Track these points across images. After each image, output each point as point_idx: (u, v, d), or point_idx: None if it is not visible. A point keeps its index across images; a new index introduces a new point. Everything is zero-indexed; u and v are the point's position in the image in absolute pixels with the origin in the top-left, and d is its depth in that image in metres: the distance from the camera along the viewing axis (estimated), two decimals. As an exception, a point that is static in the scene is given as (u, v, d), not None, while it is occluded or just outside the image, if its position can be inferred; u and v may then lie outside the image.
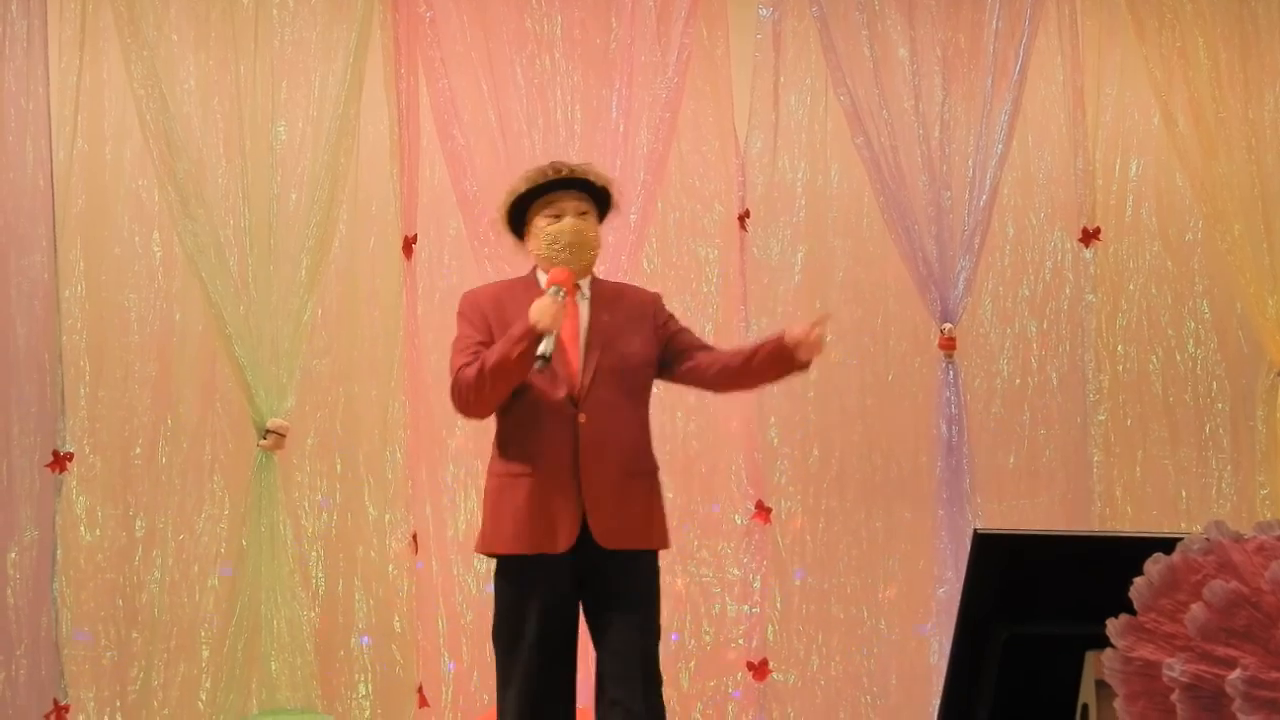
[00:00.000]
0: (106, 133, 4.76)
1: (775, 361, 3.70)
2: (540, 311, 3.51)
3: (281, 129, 4.76)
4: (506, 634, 3.63)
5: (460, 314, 3.75)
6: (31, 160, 4.68)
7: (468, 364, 3.61)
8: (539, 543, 3.57)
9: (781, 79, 5.14)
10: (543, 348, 3.45)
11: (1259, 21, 5.35)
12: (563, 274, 3.61)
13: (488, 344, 3.62)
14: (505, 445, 3.67)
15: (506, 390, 3.59)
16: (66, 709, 4.57)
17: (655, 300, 3.87)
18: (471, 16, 4.90)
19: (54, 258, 4.69)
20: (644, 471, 3.72)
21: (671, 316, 3.87)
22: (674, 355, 3.79)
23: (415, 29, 4.87)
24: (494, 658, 3.68)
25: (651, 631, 3.67)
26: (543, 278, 3.71)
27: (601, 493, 3.59)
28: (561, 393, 3.61)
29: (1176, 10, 5.26)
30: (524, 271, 3.84)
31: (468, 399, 3.61)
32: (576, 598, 3.63)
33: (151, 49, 4.65)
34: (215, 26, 4.77)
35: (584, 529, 3.57)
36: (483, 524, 3.72)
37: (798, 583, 5.04)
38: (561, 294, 3.55)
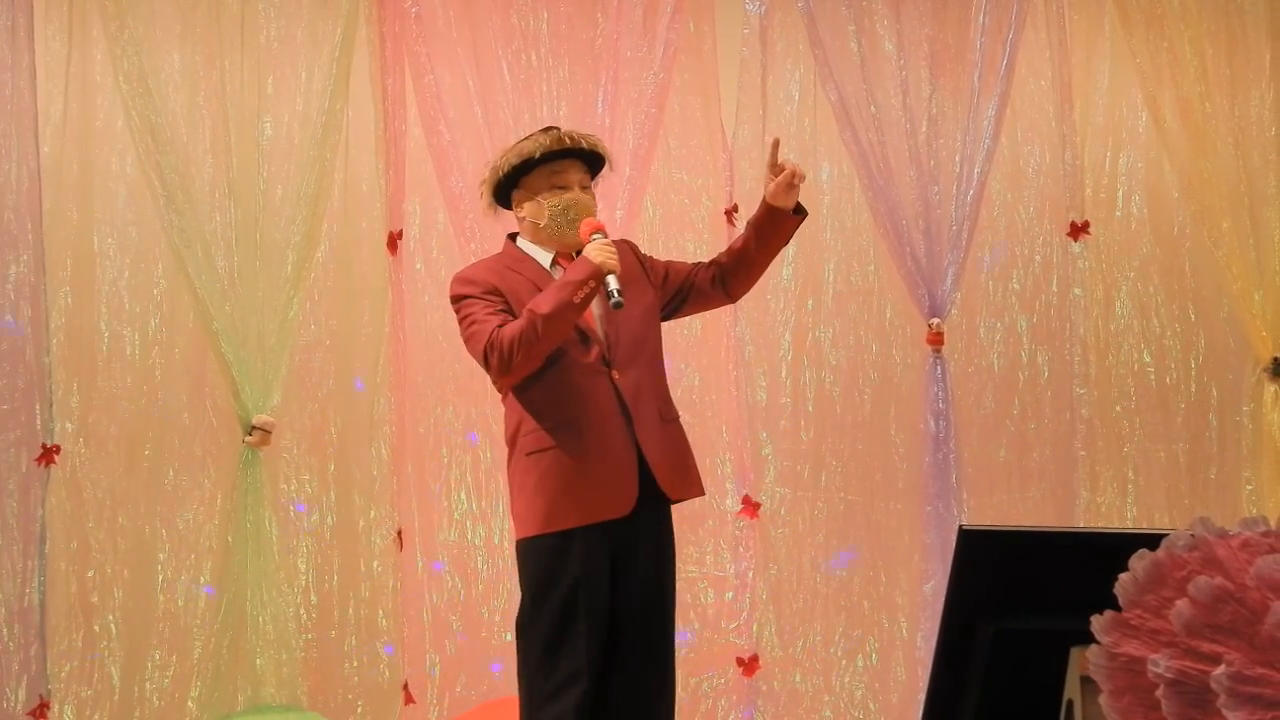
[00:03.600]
0: (93, 128, 4.74)
1: (770, 225, 3.72)
2: (601, 253, 3.52)
3: (267, 124, 4.75)
4: (546, 616, 3.55)
5: (463, 294, 3.67)
6: (17, 154, 4.66)
7: (503, 324, 3.55)
8: (601, 509, 3.54)
9: (769, 74, 5.14)
10: (615, 287, 3.49)
11: (1245, 18, 5.34)
12: (595, 224, 3.63)
13: (508, 309, 3.58)
14: (539, 419, 3.60)
15: (558, 340, 3.54)
16: (47, 705, 4.56)
17: (633, 248, 3.85)
18: (457, 12, 4.89)
19: (41, 252, 4.67)
20: (675, 418, 3.74)
21: (651, 258, 3.86)
22: (677, 288, 3.80)
23: (401, 24, 4.86)
24: (527, 643, 3.60)
25: (671, 606, 3.69)
26: (527, 246, 3.73)
27: (654, 444, 3.60)
28: (593, 354, 3.60)
29: (1164, 6, 5.26)
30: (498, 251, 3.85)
31: (512, 356, 3.51)
32: (611, 564, 3.58)
33: (137, 44, 4.63)
34: (201, 21, 4.75)
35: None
36: (522, 505, 3.63)
37: (778, 574, 5.04)
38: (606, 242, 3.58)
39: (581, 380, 3.58)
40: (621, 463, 3.55)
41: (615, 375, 3.60)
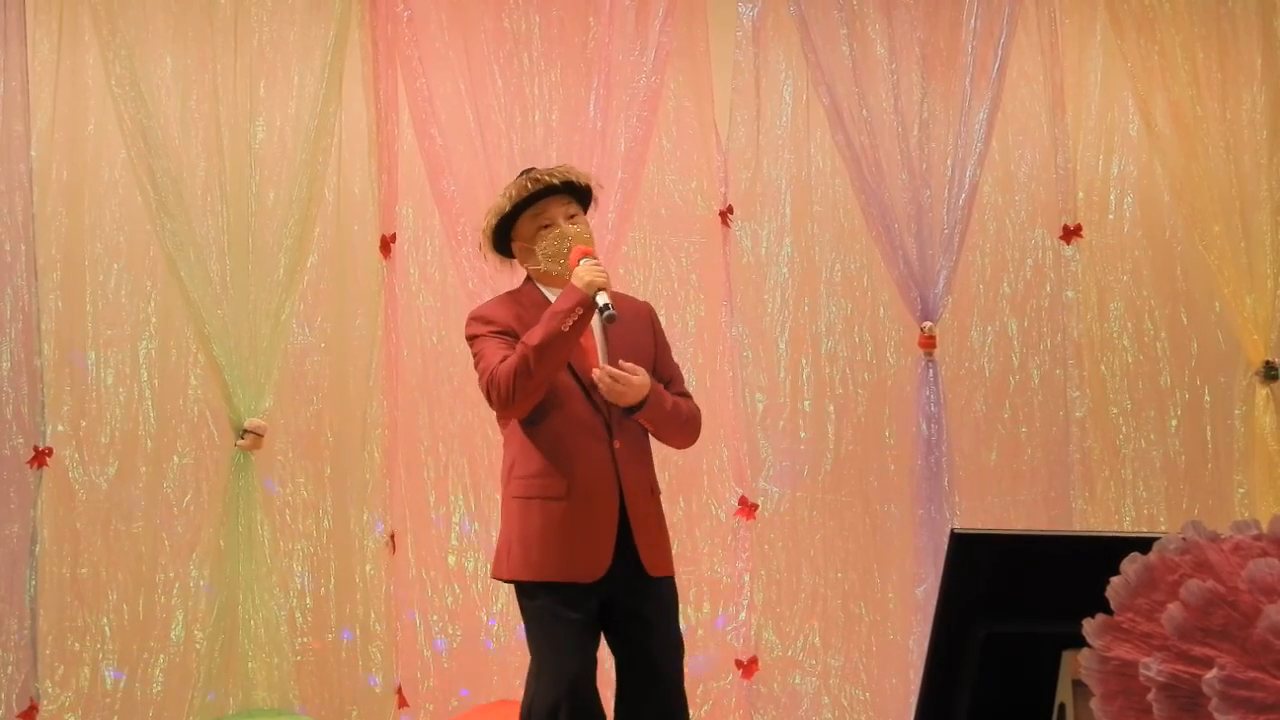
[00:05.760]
0: (84, 132, 4.74)
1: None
2: (589, 273, 3.50)
3: (260, 128, 4.74)
4: (544, 641, 3.57)
5: (474, 333, 3.67)
6: (8, 158, 4.65)
7: (505, 359, 3.53)
8: (572, 571, 3.54)
9: (762, 77, 5.15)
10: (605, 301, 3.46)
11: (1236, 22, 5.35)
12: (585, 249, 3.61)
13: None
14: (534, 466, 3.59)
15: (553, 371, 3.52)
16: (36, 707, 4.55)
17: (651, 314, 3.85)
18: (450, 15, 4.89)
19: (33, 255, 4.67)
20: (658, 491, 3.73)
21: (662, 336, 3.84)
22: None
23: (393, 28, 4.86)
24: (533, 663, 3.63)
25: (681, 658, 3.67)
26: (542, 287, 3.69)
27: (642, 521, 3.59)
28: (598, 418, 3.58)
29: (1155, 10, 5.26)
30: (511, 286, 3.83)
31: (510, 390, 3.50)
32: (600, 624, 3.61)
33: (129, 47, 4.63)
34: (193, 25, 4.75)
35: (616, 557, 3.55)
36: (506, 547, 3.64)
37: (776, 575, 5.04)
38: (595, 262, 3.56)
39: (582, 442, 3.58)
40: (602, 531, 3.55)
41: (616, 445, 3.59)
